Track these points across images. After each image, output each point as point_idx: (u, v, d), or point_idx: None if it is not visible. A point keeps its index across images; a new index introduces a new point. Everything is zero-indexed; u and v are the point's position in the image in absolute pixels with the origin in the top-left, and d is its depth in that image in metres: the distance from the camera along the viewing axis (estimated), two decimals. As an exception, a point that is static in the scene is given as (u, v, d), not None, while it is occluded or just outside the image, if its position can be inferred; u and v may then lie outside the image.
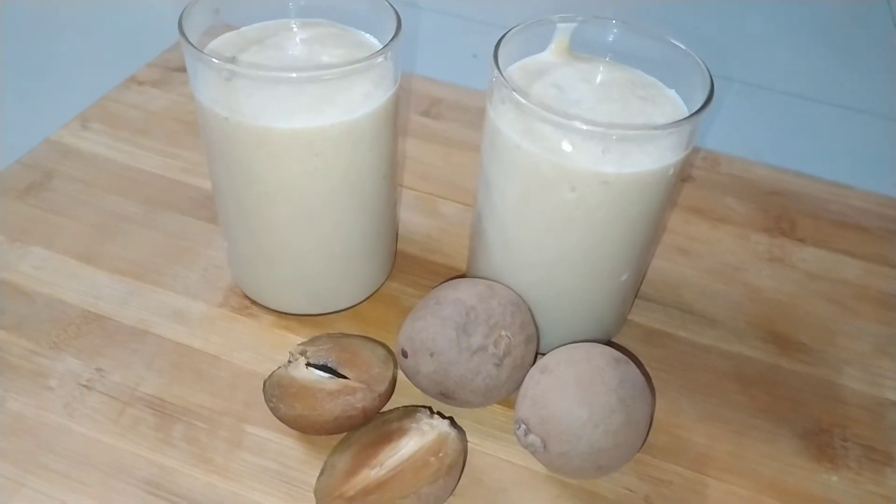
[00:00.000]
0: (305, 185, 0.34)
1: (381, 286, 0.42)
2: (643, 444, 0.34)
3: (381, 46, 0.33)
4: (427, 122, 0.55)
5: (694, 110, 0.31)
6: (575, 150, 0.30)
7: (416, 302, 0.41)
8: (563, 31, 0.36)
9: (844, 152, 0.60)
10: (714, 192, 0.52)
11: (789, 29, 0.78)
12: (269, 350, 0.38)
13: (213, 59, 0.30)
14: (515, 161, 0.32)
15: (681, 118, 0.30)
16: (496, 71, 0.31)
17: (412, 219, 0.47)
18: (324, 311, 0.40)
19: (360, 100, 0.32)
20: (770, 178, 0.53)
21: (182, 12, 0.32)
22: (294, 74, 0.30)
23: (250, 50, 0.35)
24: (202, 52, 0.30)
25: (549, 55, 0.36)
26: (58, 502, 0.31)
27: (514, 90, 0.30)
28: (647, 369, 0.39)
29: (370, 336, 0.38)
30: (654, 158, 0.30)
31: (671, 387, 0.39)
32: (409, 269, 0.44)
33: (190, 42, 0.30)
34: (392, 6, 0.34)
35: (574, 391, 0.31)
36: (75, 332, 0.38)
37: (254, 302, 0.40)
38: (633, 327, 0.42)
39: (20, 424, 0.34)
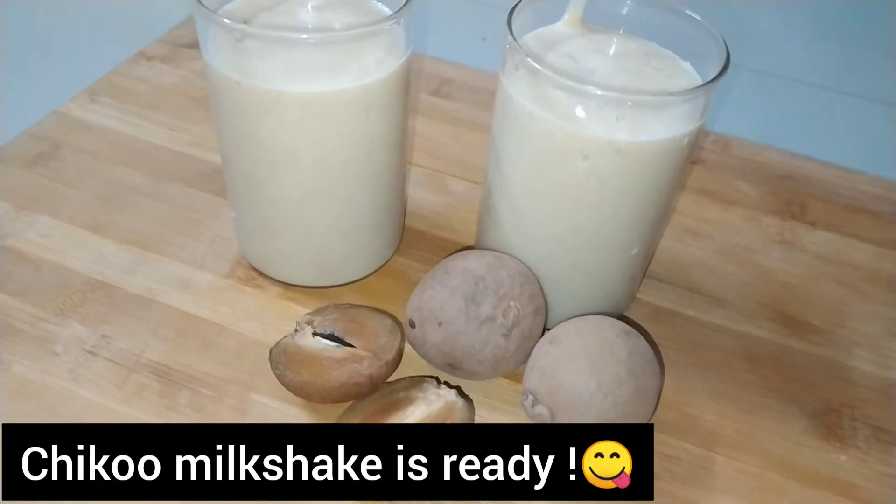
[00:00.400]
0: (316, 152, 0.33)
1: (388, 260, 0.42)
2: (651, 417, 0.34)
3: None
4: (437, 102, 0.55)
5: (709, 79, 0.31)
6: (588, 116, 0.29)
7: (423, 276, 0.41)
8: (576, 2, 0.35)
9: (855, 139, 0.60)
10: (724, 175, 0.51)
11: (800, 17, 0.77)
12: (276, 320, 0.38)
13: (225, 20, 0.29)
14: (527, 130, 0.32)
15: (697, 85, 0.29)
16: (510, 37, 0.31)
17: (421, 195, 0.47)
18: (331, 284, 0.40)
19: (373, 65, 0.32)
20: (781, 162, 0.53)
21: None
22: (305, 36, 0.30)
23: (261, 16, 0.34)
24: (214, 12, 0.29)
25: (562, 26, 0.36)
26: (62, 465, 0.31)
27: (528, 55, 0.30)
28: (657, 347, 0.39)
29: (377, 306, 0.38)
30: (667, 127, 0.30)
31: (680, 365, 0.39)
32: (417, 244, 0.43)
33: (202, 3, 0.30)
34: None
35: (583, 362, 0.31)
36: (81, 299, 0.38)
37: (261, 273, 0.40)
38: (641, 306, 0.41)
39: (25, 388, 0.34)
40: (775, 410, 0.37)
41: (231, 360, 0.36)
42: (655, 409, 0.33)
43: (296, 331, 0.35)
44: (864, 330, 0.42)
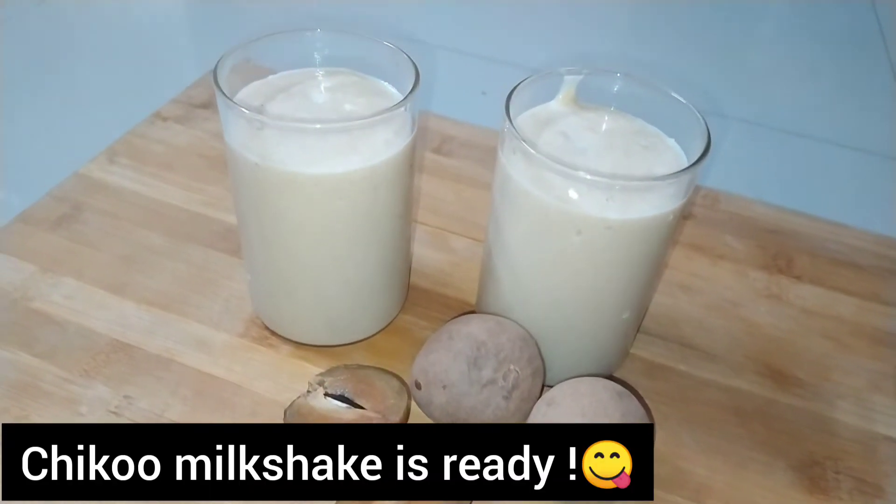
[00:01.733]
0: (328, 224, 0.36)
1: (394, 318, 0.44)
2: (644, 475, 0.36)
3: (401, 97, 0.35)
4: (439, 160, 0.57)
5: (692, 161, 0.34)
6: (581, 197, 0.32)
7: (427, 334, 0.43)
8: (569, 83, 0.38)
9: (841, 189, 0.62)
10: (714, 230, 0.54)
11: (787, 69, 0.80)
12: (288, 379, 0.40)
13: (246, 111, 0.32)
14: (525, 205, 0.34)
15: (679, 169, 0.32)
16: (507, 122, 0.34)
17: (425, 253, 0.49)
18: (340, 343, 0.42)
19: (382, 147, 0.34)
20: (768, 217, 0.55)
21: (216, 64, 0.34)
22: (319, 126, 0.32)
23: (277, 98, 0.37)
24: (236, 103, 0.32)
25: (556, 104, 0.38)
26: (89, 524, 0.33)
27: (524, 140, 0.32)
28: (649, 402, 0.41)
29: (384, 364, 0.40)
30: (654, 205, 0.32)
31: (672, 419, 0.41)
32: (422, 302, 0.46)
33: (225, 94, 0.33)
34: (411, 59, 0.36)
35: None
36: (104, 360, 0.40)
37: (273, 333, 0.42)
38: (635, 361, 0.43)
39: (53, 448, 0.36)
40: (762, 464, 0.39)
41: (246, 418, 0.38)
42: (648, 466, 0.35)
43: (308, 391, 0.37)
44: (847, 383, 0.44)
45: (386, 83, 0.39)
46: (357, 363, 0.40)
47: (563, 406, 0.34)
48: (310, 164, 0.33)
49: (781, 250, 0.53)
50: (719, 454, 0.39)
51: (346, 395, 0.36)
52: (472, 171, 0.56)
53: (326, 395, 0.36)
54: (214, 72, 0.34)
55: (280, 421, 0.37)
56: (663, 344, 0.45)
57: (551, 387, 0.38)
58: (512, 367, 0.35)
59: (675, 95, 0.36)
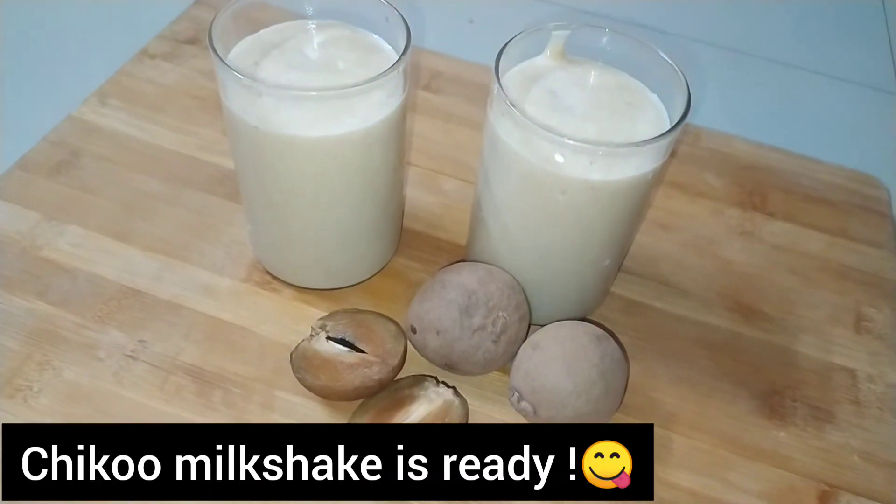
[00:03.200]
0: (325, 181, 0.37)
1: (389, 262, 0.46)
2: (619, 407, 0.39)
3: (391, 51, 0.37)
4: (428, 97, 0.58)
5: (673, 118, 0.35)
6: (566, 160, 0.34)
7: (421, 276, 0.46)
8: (557, 38, 0.39)
9: (826, 121, 0.64)
10: (695, 167, 0.56)
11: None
12: (292, 322, 0.43)
13: (244, 77, 0.33)
14: (512, 165, 0.36)
15: (660, 130, 0.34)
16: (496, 84, 0.35)
17: (417, 196, 0.51)
18: (339, 286, 0.44)
19: (376, 108, 0.36)
20: (747, 153, 0.57)
21: (210, 27, 0.35)
22: (315, 93, 0.33)
23: (271, 55, 0.38)
24: (235, 70, 0.33)
25: (545, 59, 0.39)
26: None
27: (513, 105, 0.34)
28: (626, 337, 0.44)
29: (381, 310, 0.43)
30: (636, 166, 0.34)
31: (646, 353, 0.44)
32: (415, 244, 0.48)
33: (224, 61, 0.33)
34: (402, 18, 0.37)
35: (561, 366, 0.36)
36: (116, 306, 0.42)
37: (275, 277, 0.45)
38: (615, 299, 0.46)
39: (77, 391, 0.39)
40: (727, 393, 0.43)
41: (255, 360, 0.41)
42: (622, 400, 0.39)
43: (311, 335, 0.40)
44: (810, 316, 0.47)
45: (376, 36, 0.40)
46: (356, 307, 0.43)
47: (546, 349, 0.37)
48: (308, 128, 0.34)
49: (757, 187, 0.55)
50: (688, 384, 0.43)
51: (347, 339, 0.39)
52: (462, 110, 0.57)
53: (329, 338, 0.39)
54: (210, 35, 0.34)
55: (286, 362, 0.40)
56: (641, 282, 0.48)
57: (538, 325, 0.41)
58: (500, 313, 0.38)
59: (660, 53, 0.37)
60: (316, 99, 0.34)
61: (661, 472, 0.39)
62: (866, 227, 0.53)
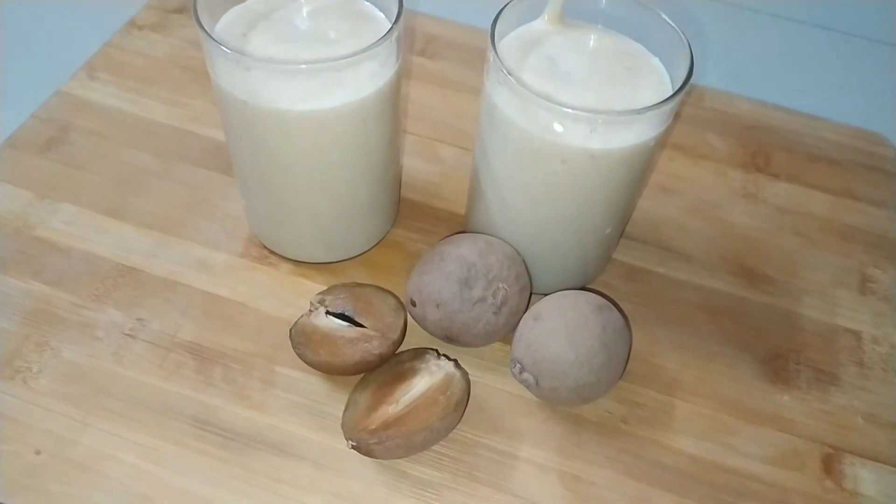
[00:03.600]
0: (319, 156, 0.37)
1: (387, 233, 0.46)
2: (622, 376, 0.39)
3: (383, 17, 0.36)
4: (424, 63, 0.57)
5: (675, 84, 0.34)
6: (565, 129, 0.33)
7: (419, 247, 0.46)
8: (555, 2, 0.37)
9: (829, 75, 0.62)
10: (697, 129, 0.55)
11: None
12: (290, 297, 0.42)
13: (232, 52, 0.32)
14: (510, 134, 0.35)
15: (661, 97, 0.33)
16: (492, 52, 0.34)
17: (414, 164, 0.50)
18: (337, 259, 0.44)
19: (368, 79, 0.34)
20: (750, 112, 0.56)
21: (195, 5, 0.34)
22: (304, 66, 0.32)
23: (259, 26, 0.36)
24: (221, 45, 0.32)
25: (542, 23, 0.38)
26: (120, 438, 0.36)
27: (510, 74, 0.33)
28: (628, 304, 0.44)
29: (380, 282, 0.42)
30: (637, 134, 0.33)
31: (648, 319, 0.44)
32: (413, 215, 0.47)
33: (210, 35, 0.32)
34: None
35: (563, 336, 0.36)
36: (112, 284, 0.42)
37: (272, 252, 0.44)
38: (617, 265, 0.46)
39: (77, 371, 0.39)
40: (730, 357, 0.43)
41: (254, 335, 0.41)
42: (625, 369, 0.39)
43: (310, 310, 0.39)
44: (814, 279, 0.47)
45: (368, 3, 0.39)
46: (354, 281, 0.42)
47: (548, 320, 0.37)
48: (298, 101, 0.33)
49: (760, 147, 0.54)
50: (690, 350, 0.43)
51: (346, 314, 0.39)
52: (458, 75, 0.56)
53: (328, 313, 0.39)
54: (195, 8, 0.33)
55: (285, 337, 0.39)
56: (643, 248, 0.47)
57: (539, 295, 0.41)
58: (501, 285, 0.38)
59: (662, 15, 0.36)
60: (306, 72, 0.33)
61: (663, 437, 0.39)
62: (871, 187, 0.52)
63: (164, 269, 0.43)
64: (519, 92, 0.33)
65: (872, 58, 0.65)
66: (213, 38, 0.32)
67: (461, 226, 0.47)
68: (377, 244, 0.45)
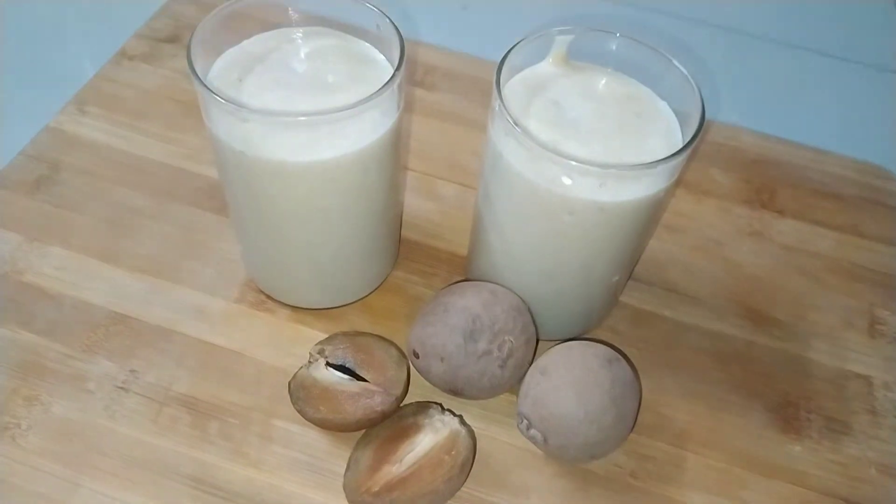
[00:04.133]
0: (319, 203, 0.36)
1: (388, 276, 0.45)
2: (631, 430, 0.38)
3: (383, 59, 0.35)
4: (422, 95, 0.56)
5: (685, 133, 0.33)
6: (573, 183, 0.32)
7: (421, 290, 0.44)
8: (560, 43, 0.37)
9: (832, 104, 0.62)
10: (701, 163, 0.54)
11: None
12: (288, 345, 0.41)
13: (228, 103, 0.31)
14: (516, 184, 0.34)
15: (671, 153, 0.31)
16: (498, 101, 0.33)
17: (414, 202, 0.49)
18: (336, 304, 0.43)
19: (369, 128, 0.33)
20: (754, 146, 0.55)
21: (189, 44, 0.33)
22: (304, 119, 0.31)
23: (255, 70, 0.35)
24: (218, 96, 0.31)
25: (547, 65, 0.37)
26: (112, 500, 0.35)
27: (517, 124, 0.32)
28: (635, 350, 0.43)
29: (381, 328, 0.41)
30: (646, 186, 0.32)
31: (656, 366, 0.43)
32: (413, 256, 0.46)
33: (204, 84, 0.31)
34: (395, 27, 0.35)
35: (571, 393, 0.35)
36: (104, 333, 0.41)
37: (269, 297, 0.43)
38: (623, 308, 0.45)
39: (68, 428, 0.37)
40: (740, 406, 0.42)
41: (251, 387, 0.39)
42: (635, 423, 0.38)
43: (310, 362, 0.38)
44: (822, 321, 0.46)
45: (367, 44, 0.37)
46: (355, 329, 0.41)
47: (555, 375, 0.35)
48: (297, 153, 0.32)
49: (765, 183, 0.53)
50: (700, 399, 0.42)
51: (347, 365, 0.38)
52: (457, 107, 0.55)
53: (328, 364, 0.38)
54: (189, 55, 0.32)
55: (284, 388, 0.38)
56: (649, 290, 0.46)
57: (545, 342, 0.39)
58: (507, 337, 0.36)
59: (672, 60, 0.35)
60: (306, 124, 0.31)
61: (674, 493, 0.38)
62: (877, 223, 0.51)
63: (159, 316, 0.42)
64: (526, 143, 0.32)
65: (880, 86, 0.65)
66: (209, 89, 0.31)
67: (462, 267, 0.46)
68: (377, 288, 0.44)
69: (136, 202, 0.47)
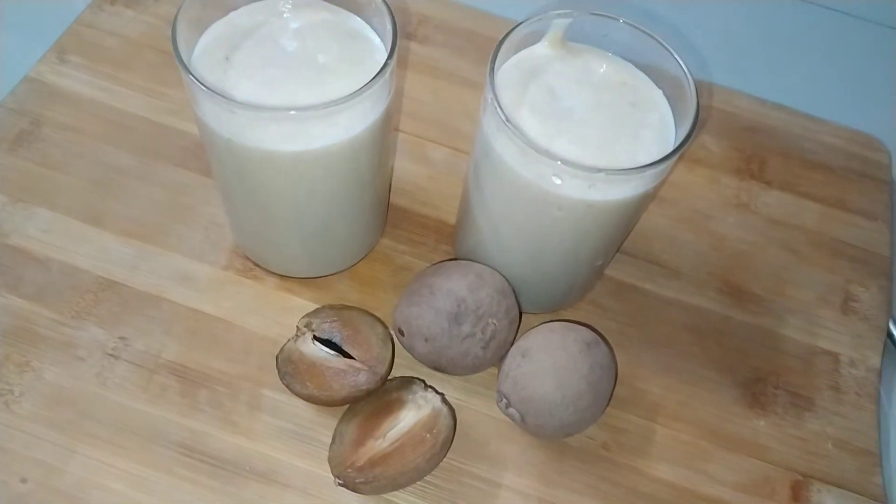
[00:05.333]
0: (309, 188, 0.35)
1: (375, 245, 0.45)
2: (604, 410, 0.39)
3: (374, 36, 0.35)
4: (414, 48, 0.54)
5: (678, 127, 0.33)
6: (564, 182, 0.32)
7: (408, 260, 0.45)
8: (557, 27, 0.36)
9: (833, 58, 0.60)
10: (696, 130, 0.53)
11: None
12: (276, 314, 0.42)
13: (216, 94, 0.30)
14: (506, 177, 0.34)
15: (661, 157, 0.31)
16: (491, 94, 0.32)
17: (403, 166, 0.48)
18: (324, 274, 0.43)
19: (360, 116, 0.33)
20: (749, 112, 0.55)
21: (174, 24, 0.31)
22: (294, 112, 0.30)
23: (243, 46, 0.34)
24: (206, 86, 0.30)
25: (543, 48, 0.36)
26: (107, 466, 0.37)
27: (509, 121, 0.31)
28: (615, 323, 0.44)
29: (368, 297, 0.42)
30: (635, 186, 0.32)
31: (634, 340, 0.44)
32: (401, 224, 0.46)
33: (194, 76, 0.30)
34: (388, 7, 0.33)
35: (550, 378, 0.36)
36: (93, 299, 0.41)
37: (257, 264, 0.43)
38: (606, 281, 0.46)
39: (61, 394, 0.38)
40: (711, 381, 0.43)
41: (239, 356, 0.40)
42: (609, 402, 0.39)
43: (297, 335, 0.39)
44: (799, 297, 0.47)
45: (358, 19, 0.36)
46: (342, 300, 0.42)
47: (536, 360, 0.37)
48: (286, 142, 0.32)
49: (756, 152, 0.53)
50: (674, 373, 0.43)
51: (334, 340, 0.38)
52: (450, 64, 0.53)
53: (315, 338, 0.38)
54: (174, 39, 0.31)
55: (272, 357, 0.39)
56: (633, 262, 0.47)
57: (528, 314, 0.40)
58: (490, 320, 0.37)
59: (669, 49, 0.34)
60: (295, 118, 0.31)
61: (642, 464, 0.40)
62: (863, 197, 0.52)
63: (147, 282, 0.42)
64: (517, 141, 0.31)
65: (884, 44, 0.63)
66: (197, 80, 0.30)
67: (450, 236, 0.46)
68: (365, 257, 0.44)
69: (121, 161, 0.46)
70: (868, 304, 0.47)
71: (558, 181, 0.32)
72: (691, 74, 0.34)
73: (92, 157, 0.46)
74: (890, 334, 0.47)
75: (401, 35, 0.53)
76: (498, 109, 0.31)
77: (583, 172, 0.31)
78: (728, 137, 0.53)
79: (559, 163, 0.30)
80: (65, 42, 0.50)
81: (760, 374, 0.44)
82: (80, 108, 0.48)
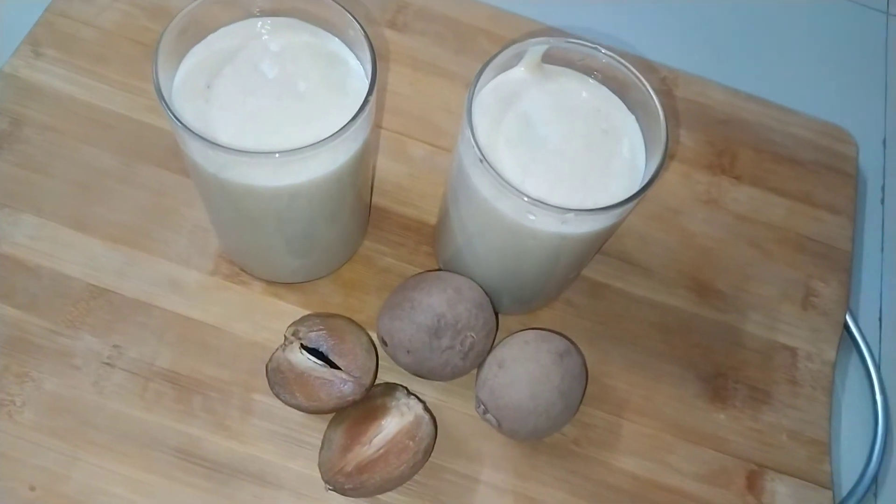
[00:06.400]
0: (292, 213, 0.36)
1: (358, 248, 0.46)
2: (574, 414, 0.42)
3: (354, 60, 0.35)
4: (393, 37, 0.54)
5: (649, 156, 0.35)
6: (537, 218, 0.33)
7: (389, 262, 0.46)
8: (534, 52, 0.36)
9: (810, 39, 0.61)
10: (670, 123, 0.54)
11: None
12: (263, 318, 0.43)
13: (202, 137, 0.31)
14: (482, 206, 0.35)
15: (629, 196, 0.33)
16: (468, 130, 0.33)
17: (383, 165, 0.49)
18: (309, 279, 0.45)
19: (343, 148, 0.34)
20: (722, 104, 0.56)
21: (155, 62, 0.32)
22: (278, 156, 0.31)
23: (224, 73, 0.35)
24: (191, 129, 0.31)
25: (520, 72, 0.37)
26: (109, 472, 0.39)
27: (485, 158, 0.32)
28: (588, 322, 0.46)
29: (352, 301, 0.44)
30: (605, 219, 0.34)
31: (605, 338, 0.46)
32: (383, 225, 0.47)
33: (178, 119, 0.31)
34: (366, 36, 0.34)
35: (525, 389, 0.38)
36: (85, 308, 0.42)
37: (242, 269, 0.45)
38: (580, 280, 0.48)
39: (60, 403, 0.40)
40: (676, 377, 0.46)
41: (229, 361, 0.42)
42: (579, 407, 0.42)
43: (285, 344, 0.41)
44: (761, 293, 0.49)
45: (337, 41, 0.37)
46: (327, 305, 0.44)
47: (511, 370, 0.39)
48: (271, 178, 0.33)
49: (728, 146, 0.54)
50: (641, 369, 0.46)
51: (321, 350, 0.40)
52: (430, 54, 0.53)
53: (303, 347, 0.40)
54: (155, 76, 0.31)
55: (261, 363, 0.41)
56: (606, 261, 0.49)
57: (505, 315, 0.43)
58: (469, 333, 0.39)
59: (642, 80, 0.35)
60: (279, 161, 0.32)
61: (609, 458, 0.43)
62: (829, 191, 0.54)
63: (136, 289, 0.43)
64: (492, 178, 0.33)
65: (865, 25, 0.64)
66: (182, 123, 0.31)
67: (430, 236, 0.47)
68: (348, 260, 0.46)
69: (103, 162, 0.46)
70: (827, 299, 0.50)
71: (532, 217, 0.33)
72: (663, 108, 0.35)
73: (74, 159, 0.46)
74: (847, 326, 0.50)
75: (380, 25, 0.54)
76: (475, 147, 0.32)
77: (556, 211, 0.32)
78: (702, 130, 0.54)
79: (531, 202, 0.32)
80: (38, 34, 0.49)
81: (722, 369, 0.47)
82: (59, 105, 0.47)
